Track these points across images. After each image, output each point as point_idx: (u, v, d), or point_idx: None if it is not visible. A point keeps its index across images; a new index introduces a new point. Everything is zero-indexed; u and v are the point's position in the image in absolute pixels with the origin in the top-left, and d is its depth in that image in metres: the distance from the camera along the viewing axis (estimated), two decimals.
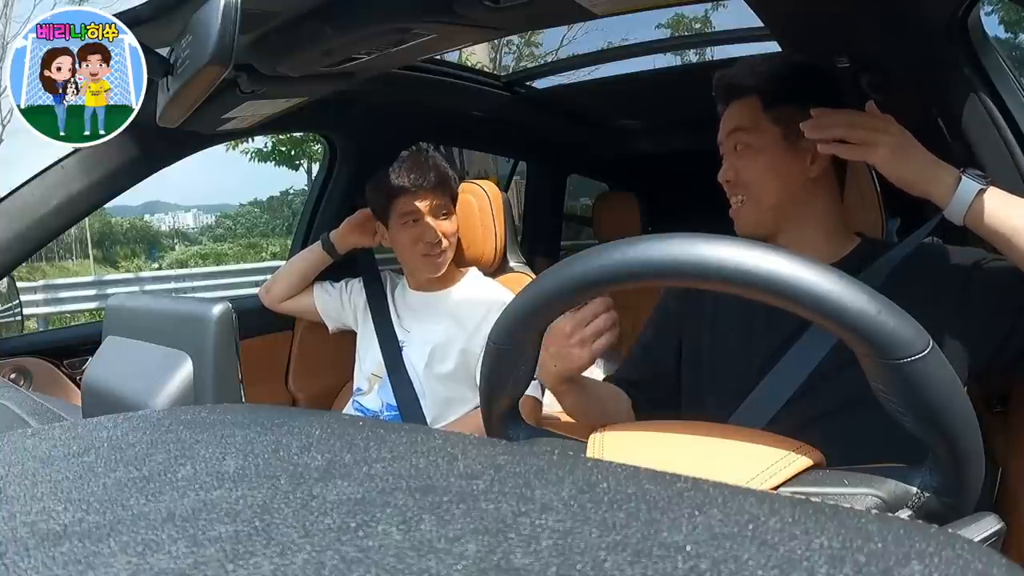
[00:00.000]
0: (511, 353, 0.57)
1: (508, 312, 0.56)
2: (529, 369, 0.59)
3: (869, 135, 0.83)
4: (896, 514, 0.47)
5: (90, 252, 16.78)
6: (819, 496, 0.49)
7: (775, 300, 0.45)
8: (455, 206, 1.49)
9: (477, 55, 6.06)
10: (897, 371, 0.43)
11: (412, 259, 1.47)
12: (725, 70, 1.01)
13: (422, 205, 1.42)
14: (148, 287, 8.72)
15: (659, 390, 1.00)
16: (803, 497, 0.23)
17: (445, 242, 1.43)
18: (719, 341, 0.97)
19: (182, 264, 13.75)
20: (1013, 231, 0.77)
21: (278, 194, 18.67)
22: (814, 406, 0.83)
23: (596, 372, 2.30)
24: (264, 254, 14.48)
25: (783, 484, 0.49)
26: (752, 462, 0.50)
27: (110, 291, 8.16)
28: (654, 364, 1.03)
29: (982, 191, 0.78)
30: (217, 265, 11.82)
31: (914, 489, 0.48)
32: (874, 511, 0.26)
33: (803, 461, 0.51)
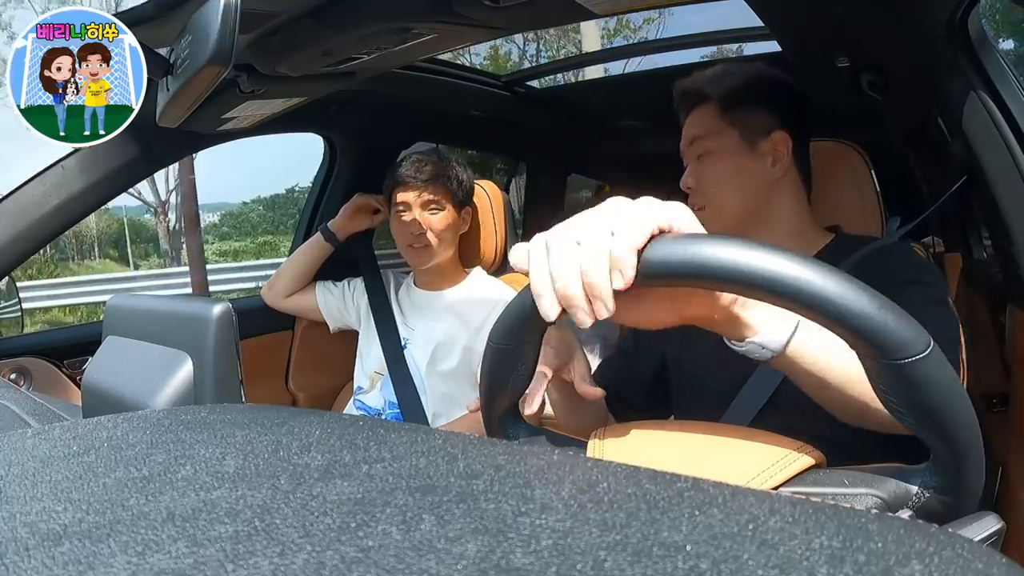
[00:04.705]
0: (510, 353, 0.57)
1: (507, 312, 0.56)
2: (529, 369, 0.59)
3: None
4: (897, 514, 0.47)
5: (129, 250, 17.41)
6: (819, 496, 0.49)
7: (775, 300, 0.45)
8: (456, 203, 1.49)
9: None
10: (899, 371, 0.43)
11: (402, 250, 1.50)
12: (681, 79, 1.01)
13: (411, 197, 1.46)
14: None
15: (634, 397, 1.00)
16: (803, 497, 0.23)
17: (430, 235, 1.45)
18: (703, 344, 0.96)
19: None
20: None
21: (283, 192, 18.80)
22: (801, 403, 0.82)
23: (592, 359, 2.30)
24: (283, 249, 14.82)
25: (783, 484, 0.49)
26: (752, 462, 0.50)
27: (172, 282, 9.18)
28: (631, 371, 1.02)
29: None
30: (236, 261, 12.69)
31: (915, 489, 0.48)
32: (874, 511, 0.26)
33: (804, 460, 0.51)
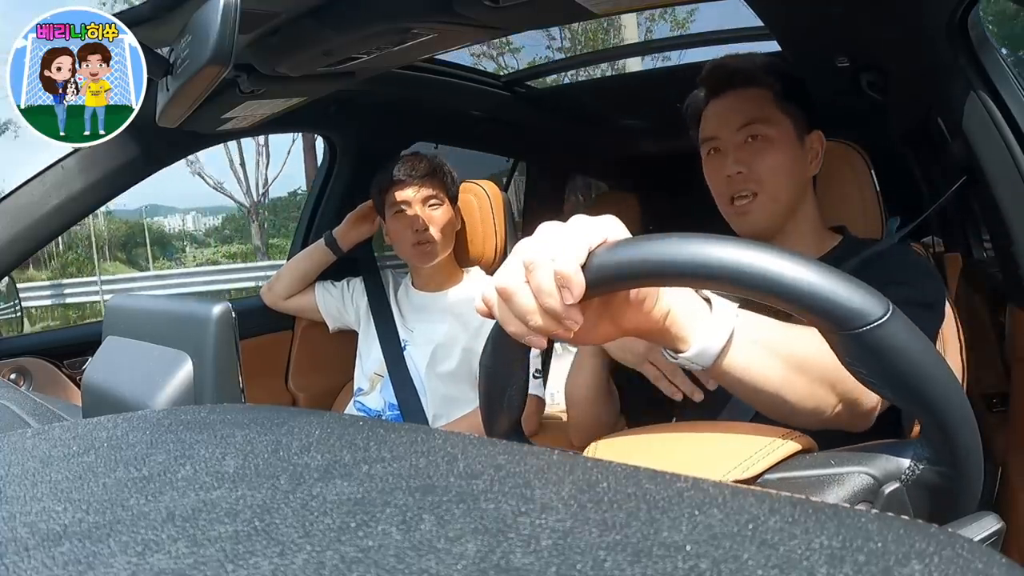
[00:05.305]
0: (501, 375, 0.58)
1: (492, 336, 0.57)
2: (521, 388, 0.59)
3: None
4: (886, 487, 0.47)
5: (149, 252, 18.02)
6: (807, 478, 0.48)
7: (720, 286, 0.44)
8: (451, 199, 1.50)
9: None
10: (859, 340, 0.41)
11: (404, 249, 1.49)
12: (722, 60, 0.99)
13: (410, 194, 1.46)
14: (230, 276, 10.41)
15: (640, 395, 1.00)
16: (800, 497, 0.23)
17: (434, 231, 1.45)
18: None
19: (214, 263, 15.03)
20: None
21: (285, 195, 18.89)
22: None
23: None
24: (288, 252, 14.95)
25: (769, 469, 0.49)
26: (737, 449, 0.50)
27: (212, 278, 10.13)
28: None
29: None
30: (245, 262, 13.15)
31: (906, 462, 0.47)
32: (873, 511, 0.25)
33: (790, 446, 0.50)
